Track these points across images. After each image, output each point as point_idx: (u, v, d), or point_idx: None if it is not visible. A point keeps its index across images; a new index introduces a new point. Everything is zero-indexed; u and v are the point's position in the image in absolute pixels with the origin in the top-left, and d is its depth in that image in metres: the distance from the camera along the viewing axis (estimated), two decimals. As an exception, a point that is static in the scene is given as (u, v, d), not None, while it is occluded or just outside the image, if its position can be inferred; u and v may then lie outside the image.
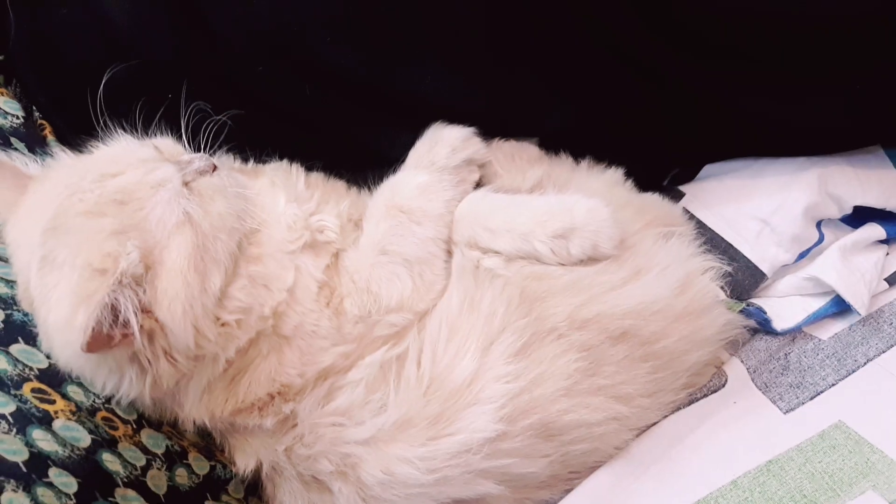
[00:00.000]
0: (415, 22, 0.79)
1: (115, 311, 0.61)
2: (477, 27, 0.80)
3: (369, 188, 0.82)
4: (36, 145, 0.94)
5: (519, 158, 0.85)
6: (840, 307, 0.83)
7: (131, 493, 0.69)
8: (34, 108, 0.99)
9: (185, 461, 0.76)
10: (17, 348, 0.72)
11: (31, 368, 0.71)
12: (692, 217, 0.90)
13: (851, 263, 0.85)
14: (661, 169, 0.99)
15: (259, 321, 0.70)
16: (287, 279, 0.71)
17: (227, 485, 0.80)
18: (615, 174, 0.87)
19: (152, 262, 0.64)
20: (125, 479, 0.69)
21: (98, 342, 0.60)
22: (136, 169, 0.69)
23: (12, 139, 0.94)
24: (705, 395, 0.80)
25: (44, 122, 0.98)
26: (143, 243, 0.64)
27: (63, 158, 0.77)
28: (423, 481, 0.68)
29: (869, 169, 0.88)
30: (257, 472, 0.77)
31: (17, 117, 0.95)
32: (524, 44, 0.81)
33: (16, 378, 0.69)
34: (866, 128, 0.88)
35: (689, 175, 0.96)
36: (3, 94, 0.96)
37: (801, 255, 0.88)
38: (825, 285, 0.84)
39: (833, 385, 0.77)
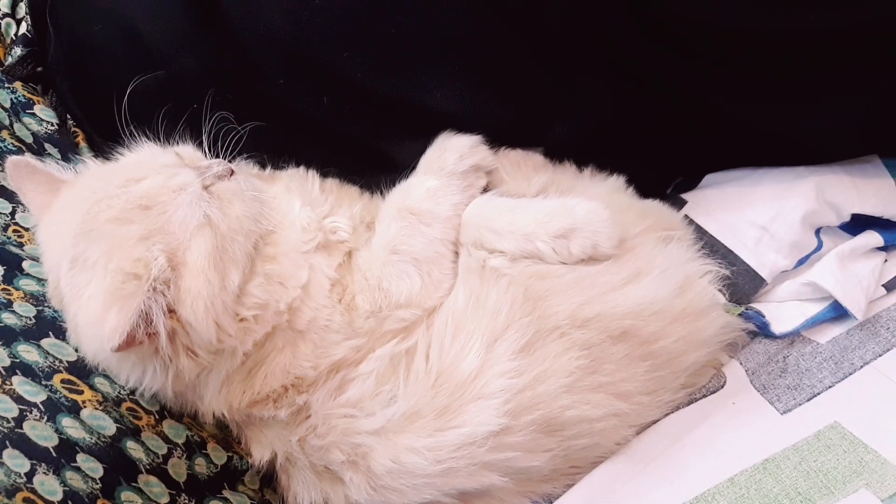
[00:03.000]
0: (426, 39, 0.80)
1: (146, 315, 0.63)
2: (493, 43, 0.81)
3: (382, 193, 0.85)
4: (69, 151, 0.98)
5: (524, 166, 0.86)
6: (838, 312, 0.84)
7: (153, 479, 0.71)
8: (68, 116, 1.03)
9: (204, 451, 0.78)
10: (48, 342, 0.76)
11: (60, 361, 0.74)
12: (693, 223, 0.90)
13: (849, 270, 0.85)
14: (665, 178, 1.00)
15: (275, 316, 0.72)
16: (301, 277, 0.74)
17: (243, 476, 0.82)
18: (617, 181, 0.88)
19: (176, 263, 0.67)
20: (147, 467, 0.72)
21: (127, 343, 0.63)
22: (159, 174, 0.71)
23: (46, 145, 0.98)
24: (705, 396, 0.80)
25: (77, 129, 1.02)
26: (167, 246, 0.67)
27: (91, 165, 0.79)
28: (429, 471, 0.70)
29: (866, 178, 0.88)
30: (272, 465, 0.79)
31: (52, 124, 0.99)
32: (534, 61, 0.83)
33: (47, 370, 0.73)
34: (864, 138, 0.89)
35: (692, 183, 0.97)
36: (39, 103, 1.00)
37: (801, 262, 0.88)
38: (823, 291, 0.84)
39: (830, 387, 0.77)
